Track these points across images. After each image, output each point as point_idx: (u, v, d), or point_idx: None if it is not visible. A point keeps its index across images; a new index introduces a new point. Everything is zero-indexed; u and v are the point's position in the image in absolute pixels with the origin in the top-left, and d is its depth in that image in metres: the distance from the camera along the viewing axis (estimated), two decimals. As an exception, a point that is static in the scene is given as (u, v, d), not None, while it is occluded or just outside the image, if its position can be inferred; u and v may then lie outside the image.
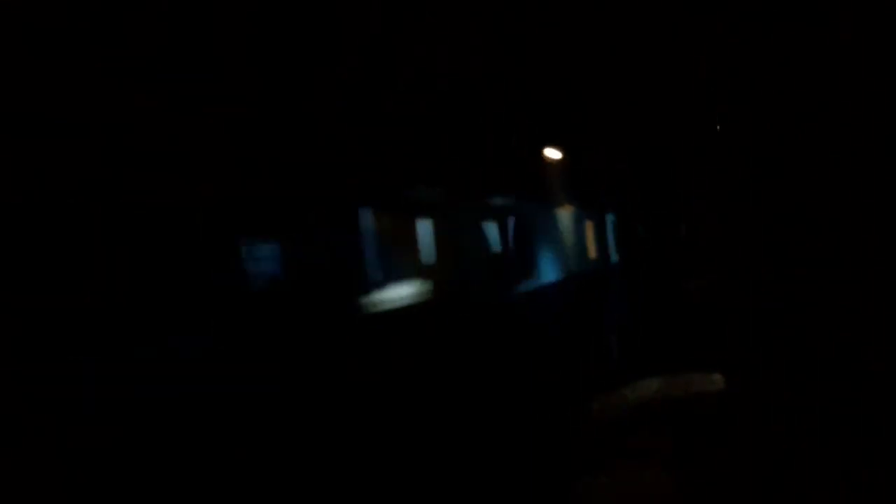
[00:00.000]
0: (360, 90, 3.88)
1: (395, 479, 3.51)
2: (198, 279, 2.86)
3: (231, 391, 2.90)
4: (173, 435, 2.59)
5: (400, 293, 4.25)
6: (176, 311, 2.70)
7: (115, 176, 2.50)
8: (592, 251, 8.47)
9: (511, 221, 5.84)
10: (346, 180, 3.89)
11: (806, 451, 3.78)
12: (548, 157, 6.60)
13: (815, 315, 4.97)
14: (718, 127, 6.08)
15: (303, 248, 3.53)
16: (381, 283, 4.11)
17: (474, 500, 3.86)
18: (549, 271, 6.59)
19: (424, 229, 4.68)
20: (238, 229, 3.14)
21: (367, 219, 4.09)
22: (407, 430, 3.73)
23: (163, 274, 2.66)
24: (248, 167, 3.14)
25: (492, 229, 5.54)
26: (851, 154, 4.68)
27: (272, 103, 3.27)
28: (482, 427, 4.53)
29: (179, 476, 2.65)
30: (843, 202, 4.64)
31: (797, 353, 5.05)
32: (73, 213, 2.35)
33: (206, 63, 2.84)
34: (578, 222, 8.03)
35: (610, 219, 9.30)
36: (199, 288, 2.89)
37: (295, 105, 3.31)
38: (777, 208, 5.36)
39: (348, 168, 3.90)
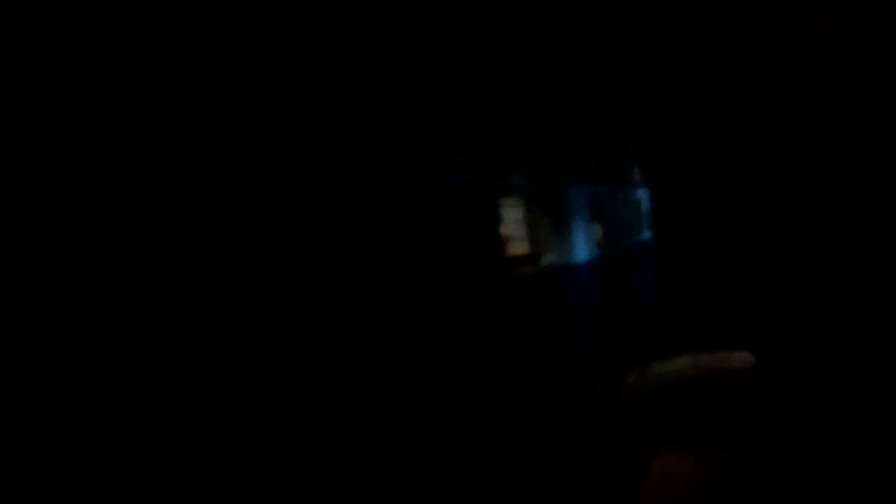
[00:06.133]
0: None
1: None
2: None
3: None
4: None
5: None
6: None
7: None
8: (628, 226, 8.46)
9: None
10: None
11: (837, 428, 3.77)
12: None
13: (850, 290, 4.93)
14: (755, 101, 5.99)
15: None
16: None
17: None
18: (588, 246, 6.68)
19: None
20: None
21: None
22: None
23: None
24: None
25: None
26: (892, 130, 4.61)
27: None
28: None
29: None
30: (886, 177, 4.57)
31: (830, 329, 5.03)
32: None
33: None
34: (614, 197, 8.02)
35: (644, 194, 9.23)
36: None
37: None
38: (815, 181, 5.30)
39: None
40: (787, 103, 5.31)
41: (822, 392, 4.38)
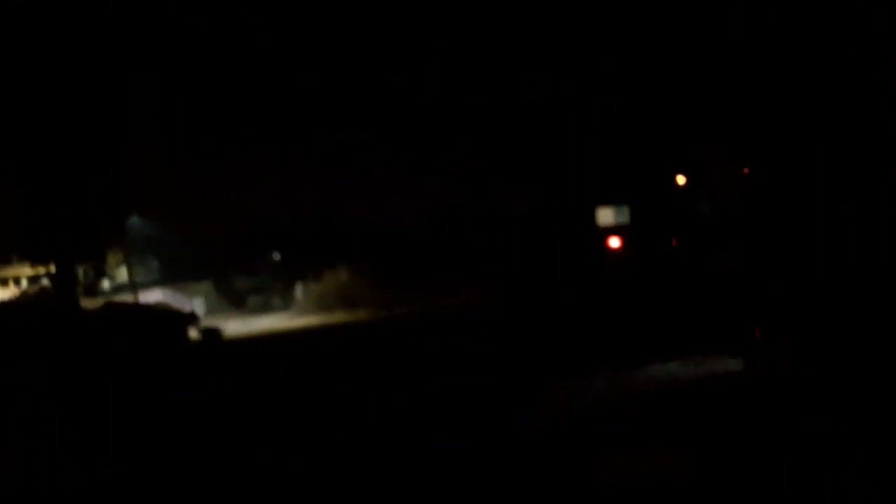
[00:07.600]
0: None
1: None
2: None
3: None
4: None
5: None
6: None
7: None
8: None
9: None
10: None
11: (824, 433, 3.77)
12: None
13: (841, 294, 4.93)
14: (744, 107, 6.01)
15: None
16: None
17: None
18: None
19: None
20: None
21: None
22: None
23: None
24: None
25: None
26: (883, 135, 4.61)
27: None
28: None
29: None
30: (879, 181, 4.57)
31: (819, 334, 5.03)
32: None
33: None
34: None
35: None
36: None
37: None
38: (806, 185, 5.31)
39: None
40: (782, 106, 5.32)
41: (812, 398, 4.39)
